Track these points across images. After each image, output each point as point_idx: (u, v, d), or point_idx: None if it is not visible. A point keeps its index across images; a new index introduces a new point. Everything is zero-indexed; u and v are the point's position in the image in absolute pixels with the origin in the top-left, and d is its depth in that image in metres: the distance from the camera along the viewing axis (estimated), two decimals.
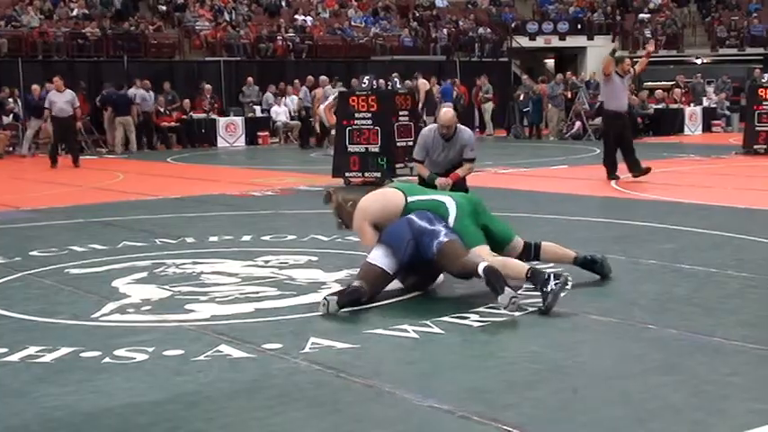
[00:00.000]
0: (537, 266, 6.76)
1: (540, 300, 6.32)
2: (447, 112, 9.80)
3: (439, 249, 6.59)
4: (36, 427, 4.47)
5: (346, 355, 5.42)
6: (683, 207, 12.01)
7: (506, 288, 6.20)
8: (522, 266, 6.65)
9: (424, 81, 24.93)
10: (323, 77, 26.07)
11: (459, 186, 9.56)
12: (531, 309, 6.33)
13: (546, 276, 6.37)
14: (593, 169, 17.49)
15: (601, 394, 4.69)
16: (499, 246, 7.05)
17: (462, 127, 9.84)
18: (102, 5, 30.48)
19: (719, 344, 5.53)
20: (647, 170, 14.71)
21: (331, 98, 21.88)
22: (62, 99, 20.38)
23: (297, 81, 27.90)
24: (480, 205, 7.22)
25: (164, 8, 31.89)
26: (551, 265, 7.35)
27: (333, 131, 20.01)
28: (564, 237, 9.36)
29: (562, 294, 6.40)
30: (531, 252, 7.23)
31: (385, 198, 7.25)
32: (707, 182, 13.24)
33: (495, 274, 6.26)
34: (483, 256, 6.66)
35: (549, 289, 6.28)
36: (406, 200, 7.09)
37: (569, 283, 6.73)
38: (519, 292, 6.46)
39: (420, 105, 24.27)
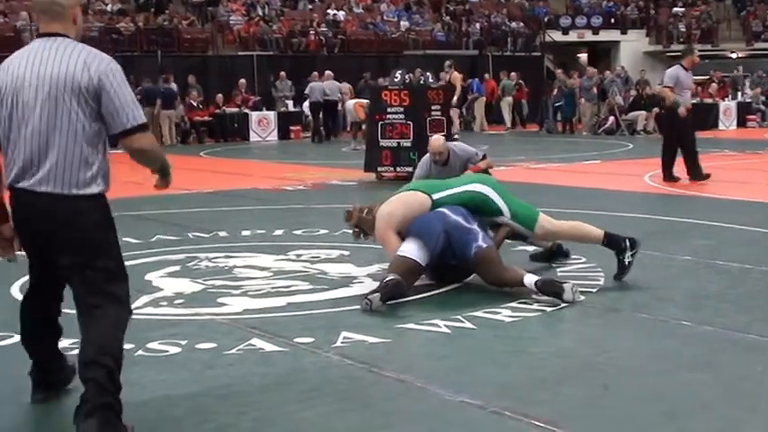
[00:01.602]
0: (612, 232, 7.19)
1: (617, 268, 7.00)
2: (437, 139, 9.62)
3: (476, 254, 6.59)
4: (68, 417, 4.51)
5: (378, 350, 5.42)
6: (717, 203, 11.92)
7: (564, 285, 6.34)
8: (596, 231, 7.15)
9: (458, 75, 24.81)
10: (327, 72, 26.46)
11: None
12: (562, 304, 6.30)
13: (623, 245, 6.99)
14: (626, 164, 17.40)
15: (632, 391, 4.66)
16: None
17: (452, 145, 9.70)
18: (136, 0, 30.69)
19: (754, 341, 5.48)
20: (677, 180, 13.94)
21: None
22: None
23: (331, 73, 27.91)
24: (499, 183, 7.44)
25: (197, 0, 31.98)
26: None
27: (363, 126, 20.05)
28: None
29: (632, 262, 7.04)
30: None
31: (406, 202, 7.13)
32: (742, 177, 13.15)
33: (547, 283, 6.38)
34: (547, 223, 7.16)
35: (626, 261, 6.97)
36: (431, 199, 7.04)
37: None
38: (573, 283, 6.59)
39: (455, 99, 24.22)
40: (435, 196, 7.05)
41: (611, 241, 7.07)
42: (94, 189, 4.04)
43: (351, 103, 22.38)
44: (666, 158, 14.13)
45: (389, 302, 6.36)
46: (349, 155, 20.21)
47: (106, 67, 3.99)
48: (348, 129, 24.79)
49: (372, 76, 27.61)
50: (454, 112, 24.40)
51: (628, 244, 7.02)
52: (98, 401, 3.99)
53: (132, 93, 4.08)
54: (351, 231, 7.66)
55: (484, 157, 9.56)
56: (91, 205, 4.05)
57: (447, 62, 24.72)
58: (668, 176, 13.99)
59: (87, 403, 4.02)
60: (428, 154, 9.57)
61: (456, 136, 22.97)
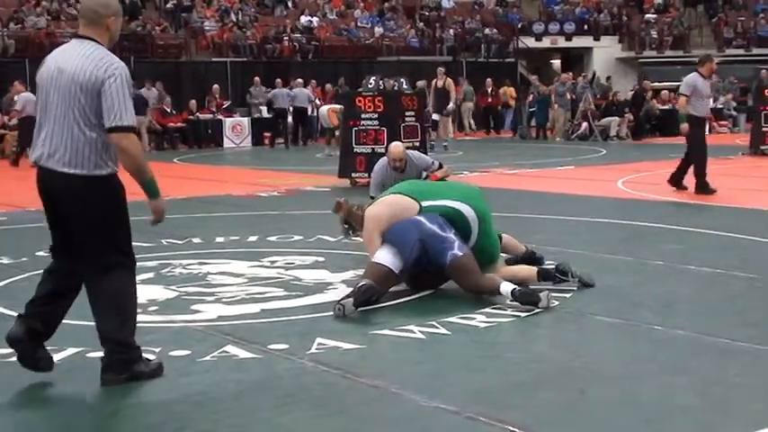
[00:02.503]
0: (543, 267, 7.24)
1: (579, 286, 6.98)
2: (397, 145, 9.63)
3: (452, 262, 6.60)
4: (44, 424, 4.49)
5: (352, 356, 5.42)
6: (689, 208, 12.00)
7: (540, 294, 6.37)
8: (531, 270, 7.12)
9: (451, 81, 24.55)
10: (298, 80, 26.83)
11: None
12: (537, 309, 6.33)
13: (557, 271, 7.02)
14: (599, 170, 17.50)
15: (607, 395, 4.69)
16: None
17: (409, 153, 9.68)
18: None
19: (726, 344, 5.53)
20: (684, 188, 13.23)
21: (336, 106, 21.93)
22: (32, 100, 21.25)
23: (300, 80, 27.86)
24: (484, 198, 7.36)
25: (172, 11, 31.82)
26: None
27: (337, 132, 20.02)
28: (570, 238, 9.37)
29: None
30: None
31: (399, 205, 7.14)
32: (714, 183, 13.21)
33: (525, 294, 6.40)
34: (498, 272, 6.93)
35: (576, 277, 6.99)
36: (420, 206, 7.06)
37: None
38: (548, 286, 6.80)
39: (451, 105, 24.19)
40: (424, 204, 7.06)
41: (546, 276, 7.05)
42: (103, 171, 4.71)
43: (324, 108, 22.34)
44: (698, 169, 13.22)
45: (363, 309, 6.37)
46: (323, 161, 20.20)
47: (112, 70, 4.62)
48: (322, 135, 24.76)
49: (346, 82, 27.64)
50: (446, 120, 24.19)
51: (559, 269, 7.06)
52: (109, 361, 4.88)
53: (128, 97, 4.64)
54: (341, 227, 7.67)
55: (440, 167, 9.58)
56: (99, 184, 4.72)
57: (440, 69, 24.38)
58: (703, 188, 13.04)
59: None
60: (384, 159, 9.59)
61: (445, 144, 22.94)
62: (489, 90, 30.86)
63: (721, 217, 10.92)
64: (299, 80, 26.89)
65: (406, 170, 9.31)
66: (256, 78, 28.55)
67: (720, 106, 30.42)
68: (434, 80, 23.72)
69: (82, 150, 4.66)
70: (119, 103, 4.58)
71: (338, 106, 20.50)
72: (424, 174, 9.44)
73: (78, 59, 4.65)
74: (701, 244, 9.13)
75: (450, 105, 23.96)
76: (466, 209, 7.05)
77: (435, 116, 23.07)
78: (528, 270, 7.16)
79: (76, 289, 5.06)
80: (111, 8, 4.84)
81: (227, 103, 27.62)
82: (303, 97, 26.38)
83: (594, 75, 29.40)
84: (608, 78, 30.71)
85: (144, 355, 5.06)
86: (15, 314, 6.42)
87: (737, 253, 8.57)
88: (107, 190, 4.76)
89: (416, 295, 6.89)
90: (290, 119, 26.94)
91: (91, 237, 4.78)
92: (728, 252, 8.62)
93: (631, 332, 5.88)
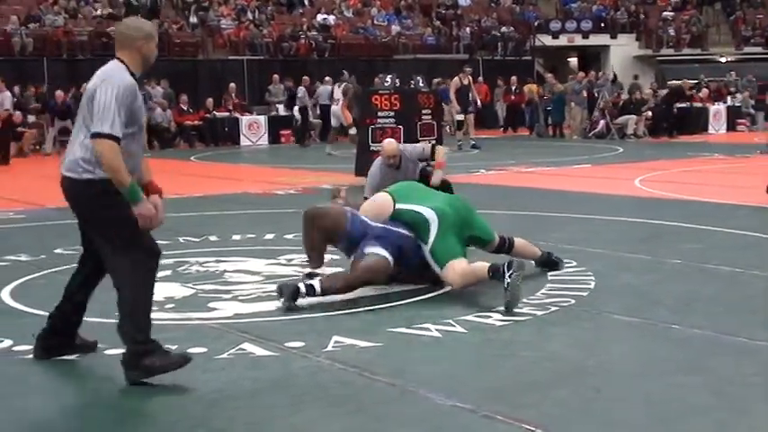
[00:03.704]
0: (495, 263, 6.67)
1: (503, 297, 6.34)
2: (390, 142, 9.61)
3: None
4: (60, 422, 4.50)
5: (369, 354, 5.42)
6: (707, 207, 11.94)
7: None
8: (483, 268, 6.64)
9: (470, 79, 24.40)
10: (327, 78, 26.80)
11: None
12: (553, 308, 6.31)
13: (501, 269, 6.37)
14: (617, 168, 17.44)
15: (623, 394, 4.67)
16: (481, 245, 7.35)
17: (403, 147, 9.69)
18: (127, 5, 30.54)
19: (744, 344, 5.50)
20: None
21: (339, 91, 21.77)
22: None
23: (328, 78, 27.88)
24: (467, 211, 7.23)
25: (193, 16, 31.81)
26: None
27: (351, 131, 19.95)
28: (589, 236, 9.34)
29: (519, 283, 6.32)
30: (504, 247, 7.39)
31: (377, 204, 7.30)
32: (732, 181, 13.13)
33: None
34: (456, 268, 6.75)
35: (506, 284, 6.27)
36: (394, 206, 7.14)
37: (524, 268, 6.56)
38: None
39: (479, 104, 24.13)
40: (397, 206, 7.13)
41: (494, 273, 6.54)
42: (88, 176, 4.85)
43: (336, 108, 22.13)
44: None
45: (376, 307, 6.36)
46: (340, 159, 20.12)
47: (104, 82, 4.81)
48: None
49: (358, 81, 27.65)
50: (470, 118, 23.97)
51: (504, 265, 6.44)
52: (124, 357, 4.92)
53: (115, 108, 4.74)
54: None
55: (433, 149, 9.60)
56: (84, 186, 4.87)
57: (467, 68, 24.09)
58: None
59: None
60: (379, 158, 9.57)
61: (460, 143, 22.76)
62: (514, 88, 30.80)
63: (740, 216, 10.86)
64: (327, 78, 26.90)
65: (402, 165, 9.33)
66: (275, 76, 28.54)
67: (738, 104, 30.29)
68: (457, 78, 23.29)
69: (78, 156, 4.88)
70: (101, 111, 4.74)
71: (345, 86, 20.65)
72: (421, 165, 9.45)
73: (95, 76, 4.93)
74: (720, 243, 9.08)
75: (479, 104, 23.90)
76: (428, 211, 6.98)
77: (459, 116, 22.85)
78: (480, 269, 6.72)
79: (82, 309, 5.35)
80: (143, 31, 5.10)
81: (240, 102, 27.65)
82: (326, 95, 26.39)
83: (615, 75, 29.29)
84: (635, 77, 30.53)
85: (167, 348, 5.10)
86: (32, 311, 6.49)
87: (757, 252, 8.53)
88: (91, 193, 4.88)
89: (432, 294, 6.89)
90: (298, 116, 27.04)
91: (96, 236, 5.01)
92: (748, 251, 8.58)
93: (648, 331, 5.86)
